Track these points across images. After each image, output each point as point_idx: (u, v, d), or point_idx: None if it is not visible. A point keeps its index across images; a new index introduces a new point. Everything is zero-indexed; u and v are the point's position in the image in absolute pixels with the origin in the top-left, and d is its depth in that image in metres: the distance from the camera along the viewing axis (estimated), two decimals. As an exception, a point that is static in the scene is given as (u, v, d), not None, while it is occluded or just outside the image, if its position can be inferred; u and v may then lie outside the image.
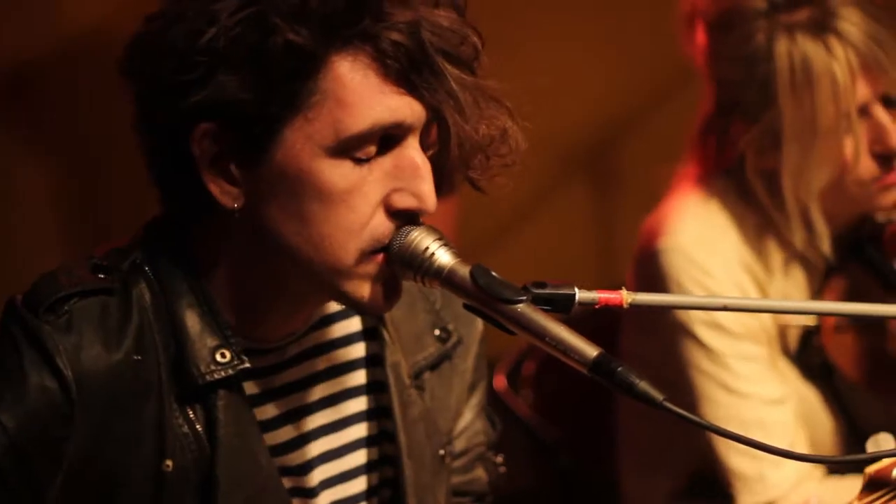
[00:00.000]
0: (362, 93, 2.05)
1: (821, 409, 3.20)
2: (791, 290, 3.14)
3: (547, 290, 2.05)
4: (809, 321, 3.16)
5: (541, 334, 2.02)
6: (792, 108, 2.98)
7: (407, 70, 2.06)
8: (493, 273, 2.06)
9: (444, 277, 2.07)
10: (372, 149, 2.07)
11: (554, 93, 4.37)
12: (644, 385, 1.97)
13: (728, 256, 3.09)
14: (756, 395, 3.05)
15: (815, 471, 3.07)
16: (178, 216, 2.18)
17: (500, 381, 3.51)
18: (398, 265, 2.09)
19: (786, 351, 3.17)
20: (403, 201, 2.09)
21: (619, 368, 1.97)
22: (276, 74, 2.02)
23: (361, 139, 2.05)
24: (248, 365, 2.16)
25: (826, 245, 3.07)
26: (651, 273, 3.11)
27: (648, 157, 4.64)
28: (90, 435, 2.09)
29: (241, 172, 2.08)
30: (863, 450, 3.12)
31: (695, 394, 3.07)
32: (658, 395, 1.97)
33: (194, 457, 2.15)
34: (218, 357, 2.14)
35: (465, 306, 2.08)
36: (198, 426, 2.15)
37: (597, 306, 2.07)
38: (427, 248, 2.08)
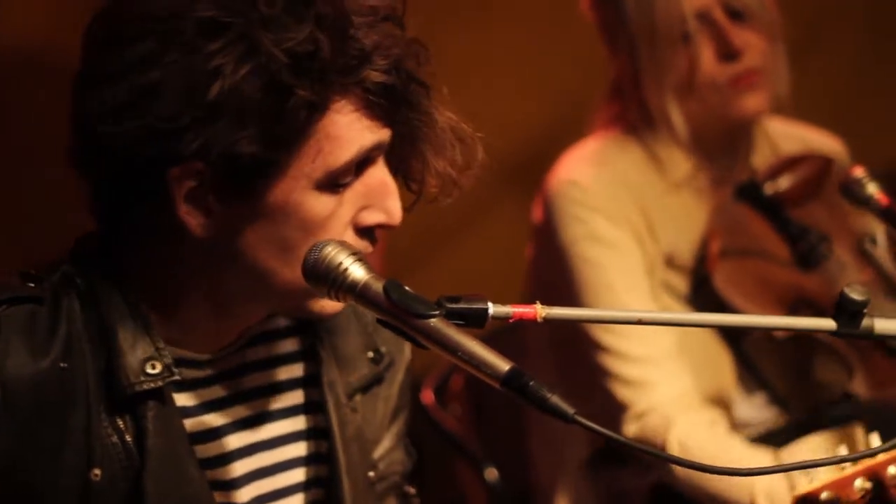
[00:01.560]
0: (350, 128, 2.10)
1: (719, 350, 3.29)
2: (678, 215, 3.32)
3: (460, 305, 2.04)
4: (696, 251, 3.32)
5: (453, 349, 2.02)
6: (636, 16, 3.25)
7: (390, 106, 2.12)
8: (407, 288, 2.06)
9: (357, 292, 2.07)
10: (350, 175, 2.13)
11: (486, 106, 4.37)
12: (555, 399, 1.97)
13: (615, 181, 3.30)
14: (610, 263, 3.25)
15: (694, 400, 3.19)
16: (120, 236, 2.18)
17: (428, 396, 3.51)
18: (312, 280, 2.10)
19: (679, 294, 3.30)
20: (373, 218, 2.16)
21: (531, 383, 1.97)
22: (282, 128, 2.05)
23: (348, 170, 2.12)
24: (178, 377, 2.16)
25: (683, 134, 3.28)
26: (543, 217, 3.32)
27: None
28: (15, 441, 2.09)
29: (221, 206, 2.10)
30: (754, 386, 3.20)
31: (569, 281, 3.26)
32: (569, 410, 1.97)
33: (123, 466, 2.15)
34: (148, 368, 2.15)
35: (379, 321, 2.09)
36: (127, 436, 2.15)
37: (511, 320, 2.07)
38: (341, 263, 2.08)
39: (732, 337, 3.29)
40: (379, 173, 2.16)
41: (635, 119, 3.33)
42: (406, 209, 2.20)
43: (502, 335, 3.13)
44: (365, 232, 2.16)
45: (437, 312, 2.03)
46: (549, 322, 3.29)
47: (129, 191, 2.12)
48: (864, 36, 5.12)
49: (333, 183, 2.11)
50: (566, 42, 4.52)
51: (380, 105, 2.11)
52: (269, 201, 2.09)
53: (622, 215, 3.27)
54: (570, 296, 3.24)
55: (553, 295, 3.27)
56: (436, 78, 2.20)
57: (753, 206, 3.32)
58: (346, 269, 2.08)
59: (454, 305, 2.05)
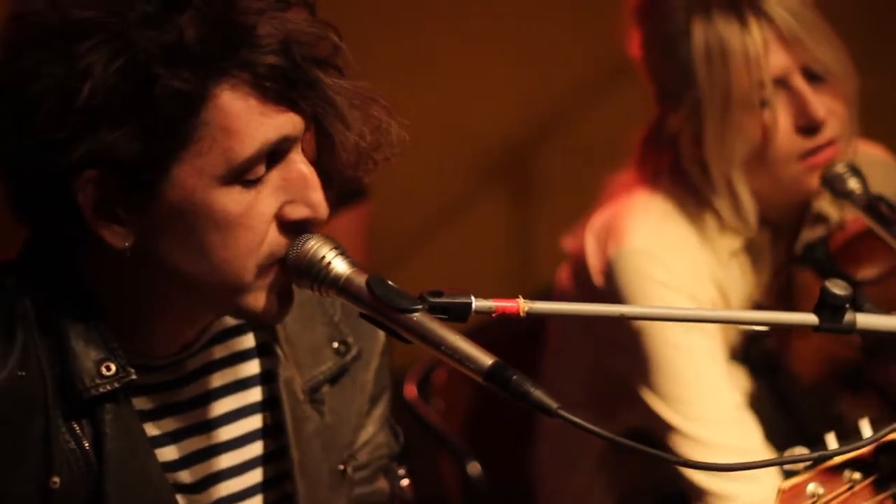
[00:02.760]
0: (246, 118, 2.04)
1: (763, 408, 3.17)
2: (739, 278, 3.14)
3: (443, 300, 2.05)
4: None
5: (437, 343, 2.03)
6: (707, 80, 3.00)
7: (284, 88, 2.06)
8: (390, 282, 2.06)
9: (340, 286, 2.07)
10: (261, 169, 2.07)
11: (471, 99, 4.38)
12: (539, 394, 1.98)
13: (689, 252, 3.09)
14: (699, 347, 3.03)
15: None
16: (58, 249, 2.15)
17: (411, 390, 3.50)
18: (294, 274, 2.09)
19: (730, 349, 3.15)
20: (296, 212, 2.10)
21: (514, 377, 1.98)
22: (159, 121, 2.00)
23: (251, 162, 2.05)
24: (134, 377, 2.13)
25: (751, 216, 3.06)
26: (609, 285, 3.08)
27: (566, 165, 4.67)
28: None
29: (130, 214, 2.06)
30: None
31: (644, 359, 3.05)
32: (553, 404, 1.98)
33: (82, 472, 2.12)
34: (103, 370, 2.12)
35: (362, 315, 2.08)
36: (85, 442, 2.13)
37: (493, 315, 2.07)
38: (323, 257, 2.08)
39: (789, 411, 3.17)
40: (297, 165, 2.10)
41: (696, 181, 3.08)
42: (325, 190, 2.12)
43: (486, 330, 3.13)
44: (290, 227, 2.10)
45: (419, 307, 2.04)
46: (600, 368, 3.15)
47: (40, 208, 2.09)
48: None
49: (240, 178, 2.05)
50: (549, 42, 4.53)
51: (274, 90, 2.05)
52: (173, 202, 2.04)
53: (705, 294, 3.06)
54: (645, 372, 3.04)
55: (613, 355, 3.13)
56: (346, 52, 2.13)
57: (820, 275, 3.09)
58: (328, 263, 2.07)
59: (437, 300, 2.05)
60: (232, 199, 2.05)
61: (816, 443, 2.86)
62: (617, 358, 3.13)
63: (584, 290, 3.16)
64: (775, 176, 3.05)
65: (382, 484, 2.49)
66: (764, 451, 3.04)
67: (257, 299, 2.11)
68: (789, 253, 3.18)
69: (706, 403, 3.03)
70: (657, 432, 3.07)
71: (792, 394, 3.19)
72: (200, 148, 2.03)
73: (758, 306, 3.16)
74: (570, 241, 3.28)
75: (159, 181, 2.03)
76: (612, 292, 3.07)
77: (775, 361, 3.16)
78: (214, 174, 2.04)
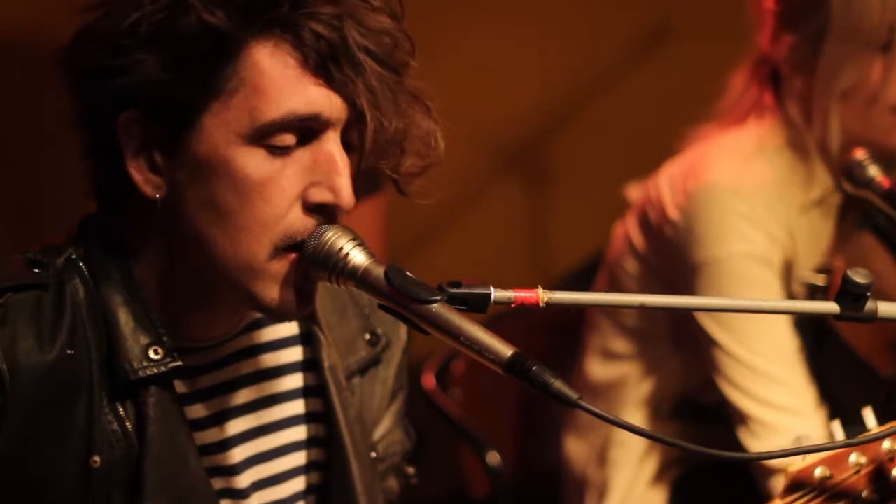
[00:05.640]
0: (280, 81, 2.06)
1: None
2: (808, 233, 3.16)
3: (462, 290, 2.04)
4: (818, 280, 3.17)
5: (455, 334, 2.02)
6: (841, 9, 3.04)
7: (327, 62, 2.07)
8: (408, 273, 2.06)
9: (358, 277, 2.07)
10: (288, 138, 2.07)
11: (486, 90, 4.37)
12: (559, 384, 1.97)
13: (769, 192, 3.12)
14: (766, 283, 3.07)
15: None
16: (108, 209, 2.18)
17: (430, 380, 3.50)
18: (312, 265, 2.09)
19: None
20: (319, 195, 2.09)
21: (534, 368, 1.97)
22: (192, 55, 2.04)
23: (276, 127, 2.06)
24: (180, 363, 2.15)
25: (835, 145, 3.09)
26: (684, 218, 3.11)
27: (583, 154, 4.66)
28: (19, 429, 2.09)
29: (164, 160, 2.09)
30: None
31: (708, 289, 3.07)
32: (573, 395, 1.98)
33: (123, 453, 2.14)
34: (150, 354, 2.13)
35: (380, 306, 2.08)
36: (127, 423, 2.14)
37: (513, 305, 2.07)
38: (342, 248, 2.07)
39: (828, 380, 3.16)
40: (327, 147, 2.10)
41: (792, 115, 3.13)
42: (353, 180, 2.13)
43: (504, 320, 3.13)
44: (314, 210, 2.10)
45: (438, 298, 2.03)
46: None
47: (97, 150, 2.13)
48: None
49: (264, 142, 2.06)
50: (566, 30, 4.52)
51: (315, 60, 2.06)
52: (200, 152, 2.06)
53: (779, 235, 3.10)
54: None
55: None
56: (412, 65, 2.14)
57: (880, 240, 3.18)
58: (346, 255, 2.07)
59: (456, 290, 2.04)
60: (254, 163, 2.06)
61: (854, 422, 2.90)
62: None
63: (652, 230, 3.19)
64: (868, 120, 3.08)
65: (392, 483, 2.50)
66: (814, 397, 3.06)
67: (271, 289, 2.10)
68: (853, 218, 3.21)
69: (767, 337, 3.07)
70: (712, 365, 3.08)
71: (837, 365, 3.20)
72: (230, 101, 2.05)
73: (819, 268, 3.18)
74: (635, 191, 3.31)
75: (189, 125, 2.06)
76: (687, 225, 3.11)
77: (827, 326, 3.16)
78: (239, 131, 2.06)
